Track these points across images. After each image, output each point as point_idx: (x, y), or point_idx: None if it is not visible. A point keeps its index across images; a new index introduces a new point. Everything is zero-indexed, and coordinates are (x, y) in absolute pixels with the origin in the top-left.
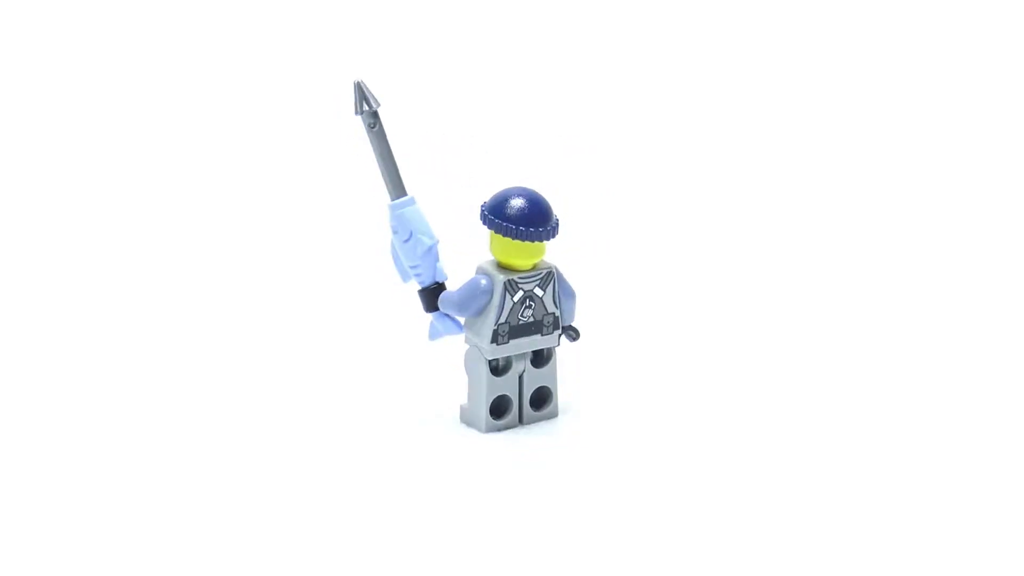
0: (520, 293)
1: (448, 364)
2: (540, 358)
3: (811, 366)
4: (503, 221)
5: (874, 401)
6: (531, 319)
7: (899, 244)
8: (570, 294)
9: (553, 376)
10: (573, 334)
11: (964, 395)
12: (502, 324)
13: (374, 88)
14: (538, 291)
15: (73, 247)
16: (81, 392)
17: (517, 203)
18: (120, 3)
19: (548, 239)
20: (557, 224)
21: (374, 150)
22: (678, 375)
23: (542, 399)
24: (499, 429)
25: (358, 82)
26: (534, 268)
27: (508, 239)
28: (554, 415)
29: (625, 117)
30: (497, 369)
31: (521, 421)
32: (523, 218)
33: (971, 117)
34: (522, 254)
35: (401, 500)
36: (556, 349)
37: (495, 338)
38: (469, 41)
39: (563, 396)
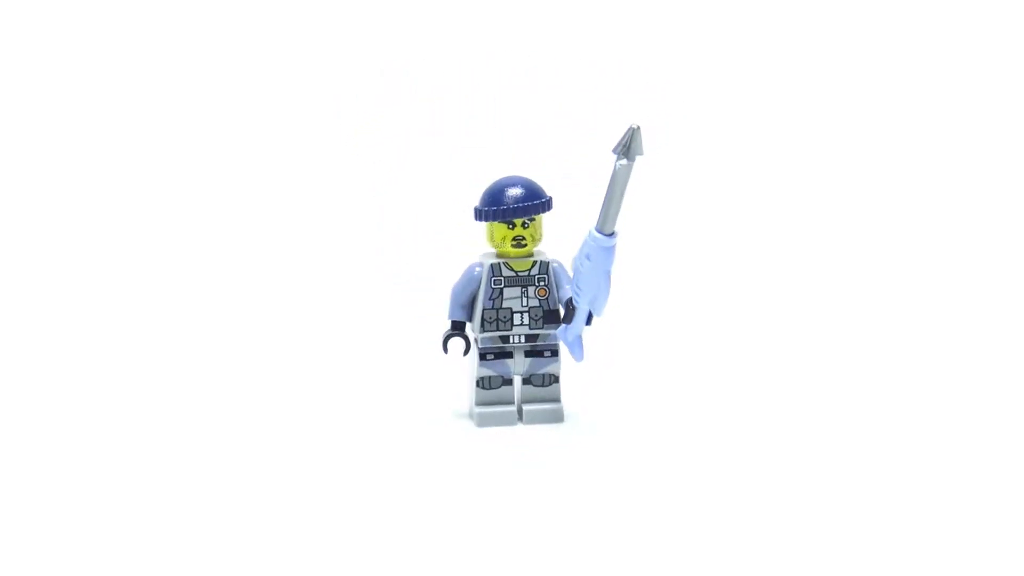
0: None
1: (448, 364)
2: None
3: (811, 367)
4: None
5: (875, 404)
6: None
7: (901, 247)
8: None
9: None
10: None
11: (970, 397)
12: None
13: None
14: None
15: (75, 250)
16: (83, 396)
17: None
18: (121, 4)
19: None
20: (479, 213)
21: (616, 184)
22: (677, 375)
23: None
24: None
25: (635, 127)
26: None
27: None
28: None
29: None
30: None
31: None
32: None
33: (971, 118)
34: None
35: (401, 501)
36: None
37: None
38: (469, 41)
39: (563, 395)
